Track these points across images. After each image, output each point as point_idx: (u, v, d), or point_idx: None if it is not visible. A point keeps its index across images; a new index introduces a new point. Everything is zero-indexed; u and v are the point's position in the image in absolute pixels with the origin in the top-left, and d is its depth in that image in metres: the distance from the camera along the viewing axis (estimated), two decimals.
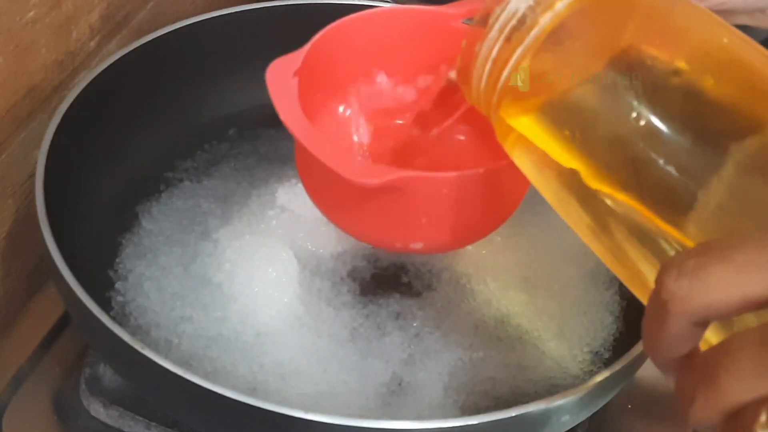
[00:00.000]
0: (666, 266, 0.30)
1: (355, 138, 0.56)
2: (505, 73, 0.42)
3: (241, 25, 0.68)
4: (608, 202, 0.38)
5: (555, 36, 0.40)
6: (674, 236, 0.36)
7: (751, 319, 0.30)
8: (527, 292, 0.60)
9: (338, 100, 0.56)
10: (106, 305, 0.56)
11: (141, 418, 0.54)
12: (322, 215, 0.53)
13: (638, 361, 0.51)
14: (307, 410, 0.45)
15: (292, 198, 0.61)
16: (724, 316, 0.29)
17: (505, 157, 0.47)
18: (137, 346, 0.47)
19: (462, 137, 0.56)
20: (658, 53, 0.39)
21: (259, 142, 0.67)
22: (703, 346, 0.30)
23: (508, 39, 0.41)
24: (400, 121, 0.57)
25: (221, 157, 0.67)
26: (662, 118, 0.37)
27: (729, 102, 0.37)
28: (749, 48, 0.38)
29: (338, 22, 0.53)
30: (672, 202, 0.36)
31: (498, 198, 0.52)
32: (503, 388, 0.55)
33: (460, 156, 0.56)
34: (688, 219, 0.36)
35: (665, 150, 0.36)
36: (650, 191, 0.37)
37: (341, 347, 0.55)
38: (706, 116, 0.37)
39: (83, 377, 0.56)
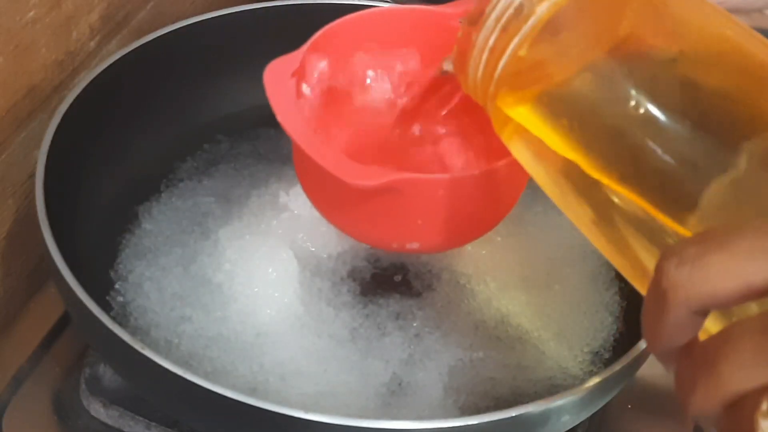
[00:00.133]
0: (666, 254, 0.29)
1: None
2: (502, 63, 0.41)
3: (241, 25, 0.68)
4: (607, 192, 0.38)
5: (552, 25, 0.40)
6: (674, 227, 0.36)
7: (752, 309, 0.30)
8: (527, 292, 0.60)
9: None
10: (106, 305, 0.56)
11: (141, 418, 0.54)
12: (321, 215, 0.53)
13: (638, 361, 0.51)
14: (307, 410, 0.45)
15: (292, 198, 0.61)
16: (725, 305, 0.28)
17: (499, 155, 0.47)
18: (137, 346, 0.47)
19: (451, 131, 0.56)
20: (656, 42, 0.38)
21: (259, 142, 0.67)
22: (702, 337, 0.30)
23: (505, 28, 0.41)
24: (391, 118, 0.57)
25: (221, 157, 0.67)
26: (661, 107, 0.36)
27: (731, 92, 0.36)
28: (750, 38, 0.37)
29: (336, 22, 0.53)
30: (671, 192, 0.36)
31: (493, 198, 0.52)
32: (503, 388, 0.55)
33: (449, 151, 0.56)
34: (687, 210, 0.35)
35: (664, 139, 0.36)
36: (649, 181, 0.37)
37: (341, 347, 0.55)
38: (707, 105, 0.36)
39: (83, 377, 0.56)
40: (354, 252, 0.60)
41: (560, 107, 0.40)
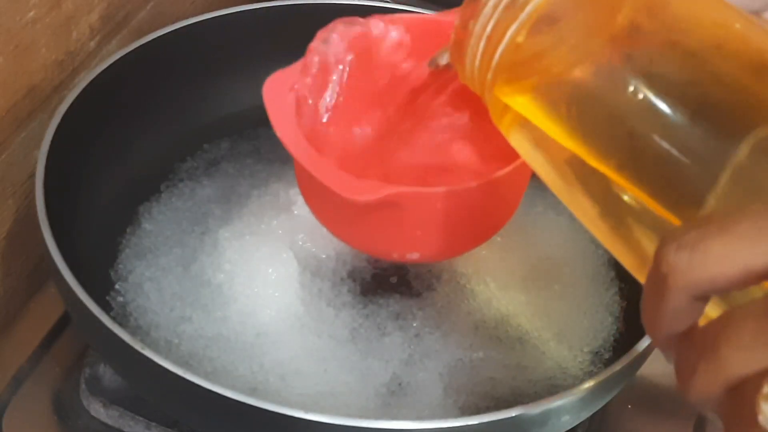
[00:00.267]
0: (665, 239, 0.29)
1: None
2: (499, 50, 0.41)
3: (241, 25, 0.68)
4: (607, 180, 0.38)
5: (550, 13, 0.40)
6: (670, 217, 0.36)
7: (754, 294, 0.29)
8: (527, 292, 0.60)
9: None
10: (106, 305, 0.56)
11: (141, 418, 0.54)
12: (324, 226, 0.53)
13: (638, 361, 0.51)
14: (307, 410, 0.45)
15: (292, 198, 0.61)
16: (726, 289, 0.28)
17: (497, 159, 0.47)
18: (137, 346, 0.47)
19: (451, 127, 0.56)
20: (655, 29, 0.38)
21: (259, 142, 0.67)
22: (702, 323, 0.29)
23: (502, 16, 0.41)
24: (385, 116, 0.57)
25: (221, 157, 0.67)
26: (660, 95, 0.36)
27: (732, 81, 0.36)
28: (752, 26, 0.37)
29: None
30: (671, 182, 0.36)
31: (492, 208, 0.52)
32: (503, 389, 0.55)
33: (450, 149, 0.56)
34: (687, 199, 0.35)
35: (664, 127, 0.36)
36: (649, 170, 0.36)
37: (341, 347, 0.55)
38: (708, 94, 0.36)
39: (83, 377, 0.56)
40: (354, 252, 0.60)
41: (559, 96, 0.39)
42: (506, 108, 0.42)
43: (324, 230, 0.59)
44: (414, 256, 0.51)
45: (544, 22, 0.40)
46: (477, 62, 0.43)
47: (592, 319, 0.59)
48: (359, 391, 0.53)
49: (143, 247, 0.60)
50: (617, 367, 0.49)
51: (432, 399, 0.54)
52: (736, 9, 0.38)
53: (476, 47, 0.42)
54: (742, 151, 0.34)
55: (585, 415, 0.52)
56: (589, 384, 0.48)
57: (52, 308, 0.61)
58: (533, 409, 0.47)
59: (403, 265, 0.60)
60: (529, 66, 0.40)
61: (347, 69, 0.53)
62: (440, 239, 0.50)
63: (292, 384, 0.53)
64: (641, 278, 0.36)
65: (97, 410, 0.55)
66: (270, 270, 0.57)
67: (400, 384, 0.54)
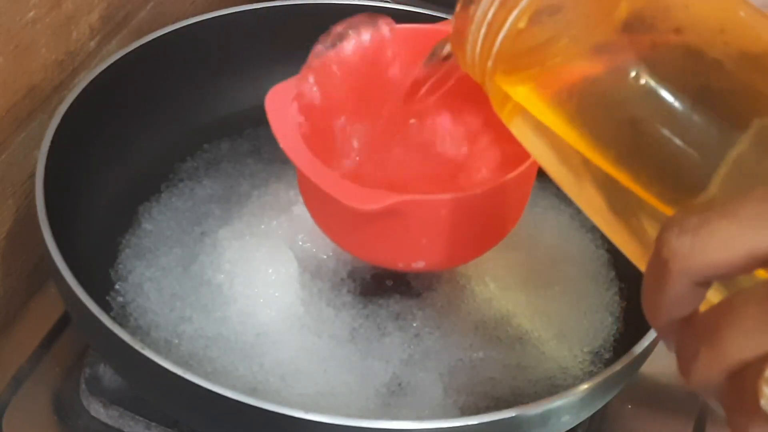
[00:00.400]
0: (667, 224, 0.28)
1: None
2: (500, 36, 0.41)
3: (241, 25, 0.68)
4: (609, 169, 0.38)
5: (552, 2, 0.40)
6: (666, 209, 0.35)
7: (756, 280, 0.29)
8: (527, 292, 0.60)
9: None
10: (106, 305, 0.56)
11: (141, 418, 0.54)
12: (327, 237, 0.53)
13: (638, 361, 0.51)
14: (307, 410, 0.45)
15: (292, 198, 0.61)
16: (728, 275, 0.28)
17: (501, 165, 0.47)
18: (137, 346, 0.47)
19: (452, 124, 0.56)
20: (657, 15, 0.38)
21: (259, 142, 0.67)
22: (703, 309, 0.29)
23: (503, 2, 0.41)
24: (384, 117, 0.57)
25: (221, 157, 0.67)
26: (662, 83, 0.36)
27: (735, 69, 0.36)
28: (753, 12, 0.37)
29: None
30: (672, 170, 0.35)
31: (497, 214, 0.52)
32: (503, 389, 0.55)
33: (444, 154, 0.56)
34: (689, 187, 0.35)
35: (666, 116, 0.35)
36: (651, 159, 0.36)
37: (341, 347, 0.55)
38: (711, 82, 0.36)
39: (83, 377, 0.56)
40: None
41: (560, 87, 0.39)
42: (507, 96, 0.42)
43: None
44: (419, 264, 0.51)
45: (545, 12, 0.40)
46: (478, 49, 0.42)
47: (592, 319, 0.59)
48: (359, 391, 0.53)
49: (143, 247, 0.60)
50: (617, 367, 0.49)
51: (432, 399, 0.54)
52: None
53: (477, 33, 0.42)
54: (745, 139, 0.34)
55: (585, 415, 0.52)
56: (589, 384, 0.48)
57: (52, 308, 0.61)
58: (533, 409, 0.47)
59: None
60: (529, 57, 0.40)
61: (347, 76, 0.53)
62: (446, 247, 0.50)
63: (292, 384, 0.53)
64: (642, 266, 0.36)
65: (97, 410, 0.55)
66: (270, 270, 0.57)
67: (400, 384, 0.54)
